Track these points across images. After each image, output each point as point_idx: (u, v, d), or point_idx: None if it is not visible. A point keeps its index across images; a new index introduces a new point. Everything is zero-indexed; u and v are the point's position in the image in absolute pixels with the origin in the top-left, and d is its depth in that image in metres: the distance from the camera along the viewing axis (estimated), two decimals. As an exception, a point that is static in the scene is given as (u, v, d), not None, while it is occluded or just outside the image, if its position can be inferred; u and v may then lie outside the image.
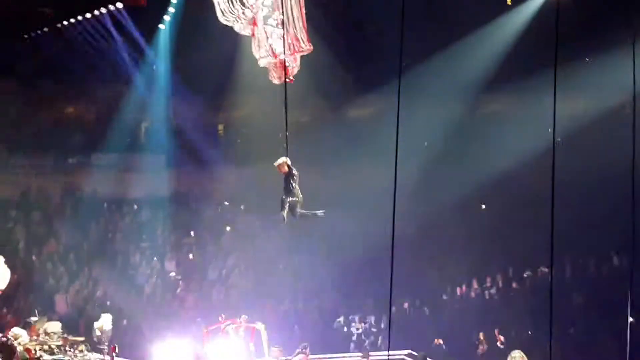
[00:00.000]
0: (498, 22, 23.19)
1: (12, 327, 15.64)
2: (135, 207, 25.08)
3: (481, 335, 18.58)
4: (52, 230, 23.71)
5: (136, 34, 23.54)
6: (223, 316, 16.10)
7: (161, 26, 24.15)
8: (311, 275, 22.05)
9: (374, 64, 22.71)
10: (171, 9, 23.54)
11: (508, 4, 23.32)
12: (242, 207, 25.80)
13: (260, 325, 16.13)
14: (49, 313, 18.80)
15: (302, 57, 12.46)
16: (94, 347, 16.23)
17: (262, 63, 12.53)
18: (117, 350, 15.29)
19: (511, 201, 24.39)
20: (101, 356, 15.73)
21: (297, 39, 12.06)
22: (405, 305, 21.14)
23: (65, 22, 23.24)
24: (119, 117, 24.58)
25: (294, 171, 12.83)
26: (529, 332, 19.08)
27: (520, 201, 23.69)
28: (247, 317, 16.32)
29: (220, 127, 27.79)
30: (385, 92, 20.60)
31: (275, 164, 12.75)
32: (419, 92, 21.24)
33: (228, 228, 25.18)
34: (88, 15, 23.07)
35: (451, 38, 23.05)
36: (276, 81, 12.57)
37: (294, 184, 13.02)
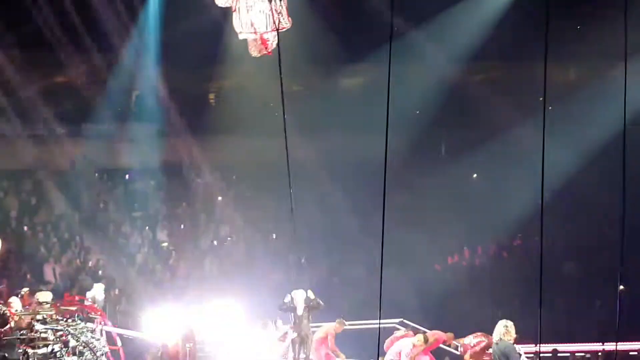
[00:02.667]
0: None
1: (4, 296, 15.64)
2: (127, 176, 25.03)
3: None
4: (44, 199, 23.69)
5: (126, 2, 23.40)
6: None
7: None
8: (304, 244, 22.07)
9: (364, 30, 22.64)
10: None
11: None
12: (234, 176, 25.80)
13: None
14: (40, 283, 18.85)
15: (292, 25, 12.42)
16: (86, 316, 16.25)
17: (242, 36, 12.58)
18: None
19: (503, 170, 24.53)
20: (93, 325, 15.76)
21: (278, 13, 12.05)
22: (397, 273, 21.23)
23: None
24: (109, 85, 24.46)
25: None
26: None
27: (512, 170, 23.84)
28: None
29: (212, 96, 27.70)
30: (377, 59, 20.61)
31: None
32: (410, 59, 21.22)
33: (220, 198, 25.19)
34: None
35: (443, 4, 22.98)
36: (255, 54, 12.61)
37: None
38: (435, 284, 20.53)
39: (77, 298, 16.14)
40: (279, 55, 11.86)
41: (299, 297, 14.82)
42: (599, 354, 17.16)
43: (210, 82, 27.25)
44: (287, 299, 14.82)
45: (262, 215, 23.41)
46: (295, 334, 14.69)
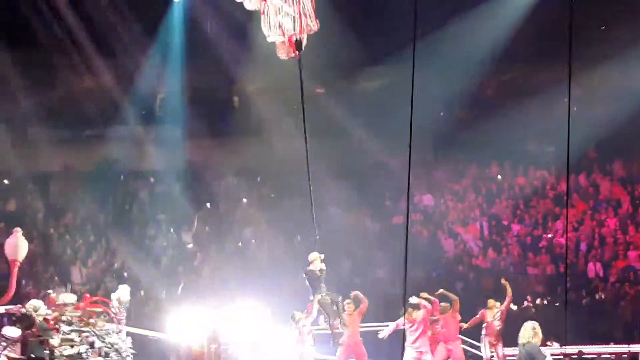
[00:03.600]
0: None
1: (32, 298, 15.73)
2: (152, 179, 25.09)
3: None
4: (69, 202, 23.80)
5: (151, 5, 23.48)
6: None
7: (175, -2, 24.12)
8: (328, 246, 21.98)
9: (387, 33, 22.58)
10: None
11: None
12: (257, 178, 25.79)
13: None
14: (67, 284, 18.94)
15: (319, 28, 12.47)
16: (112, 317, 16.28)
17: (270, 39, 12.63)
18: None
19: (525, 167, 24.48)
20: (119, 326, 15.80)
21: (306, 16, 12.11)
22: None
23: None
24: (135, 88, 24.54)
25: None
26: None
27: (535, 167, 23.82)
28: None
29: (236, 98, 27.72)
30: (399, 61, 20.51)
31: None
32: (433, 61, 21.13)
33: (244, 200, 25.19)
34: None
35: (466, 6, 22.89)
36: (284, 57, 12.67)
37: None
38: (459, 283, 20.37)
39: (93, 299, 16.18)
40: (299, 59, 11.91)
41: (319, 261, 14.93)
42: (624, 355, 17.02)
43: (234, 84, 27.28)
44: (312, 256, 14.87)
45: (285, 217, 23.35)
46: (320, 297, 14.56)
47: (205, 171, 25.48)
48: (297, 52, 12.35)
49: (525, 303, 19.37)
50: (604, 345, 17.33)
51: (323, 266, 14.89)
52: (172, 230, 23.40)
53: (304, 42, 12.19)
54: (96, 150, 24.82)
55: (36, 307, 14.73)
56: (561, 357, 14.57)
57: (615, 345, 17.30)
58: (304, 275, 14.78)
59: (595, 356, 17.29)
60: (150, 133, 25.18)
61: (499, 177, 25.29)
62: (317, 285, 14.67)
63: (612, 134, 22.24)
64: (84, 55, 24.47)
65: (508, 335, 15.57)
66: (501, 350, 16.15)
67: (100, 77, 26.15)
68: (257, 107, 26.34)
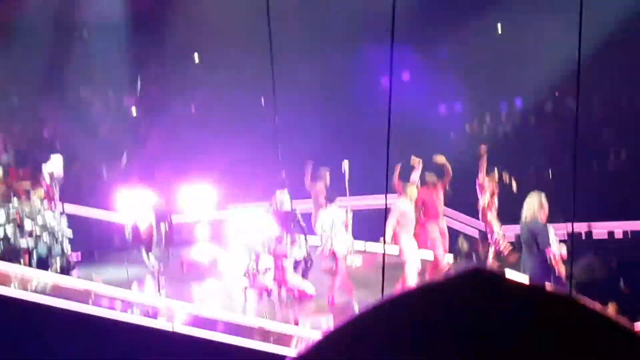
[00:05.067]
0: None
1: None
2: (86, 33, 24.31)
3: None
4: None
5: None
6: None
7: None
8: (295, 114, 21.76)
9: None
10: None
11: None
12: (213, 32, 25.27)
13: None
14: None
15: None
16: (43, 194, 16.12)
17: None
18: None
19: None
20: (53, 205, 15.70)
21: None
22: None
23: None
24: None
25: None
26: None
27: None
28: None
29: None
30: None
31: None
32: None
33: (197, 58, 24.43)
34: None
35: None
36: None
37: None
38: (451, 155, 20.33)
39: (21, 173, 16.03)
40: None
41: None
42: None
43: None
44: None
45: (247, 77, 22.95)
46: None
47: (150, 23, 24.79)
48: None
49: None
50: (617, 222, 17.36)
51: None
52: (111, 93, 22.85)
53: None
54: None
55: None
56: (566, 238, 14.46)
57: (629, 222, 17.31)
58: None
59: (607, 236, 17.32)
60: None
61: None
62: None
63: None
64: None
65: (509, 210, 15.46)
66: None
67: None
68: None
